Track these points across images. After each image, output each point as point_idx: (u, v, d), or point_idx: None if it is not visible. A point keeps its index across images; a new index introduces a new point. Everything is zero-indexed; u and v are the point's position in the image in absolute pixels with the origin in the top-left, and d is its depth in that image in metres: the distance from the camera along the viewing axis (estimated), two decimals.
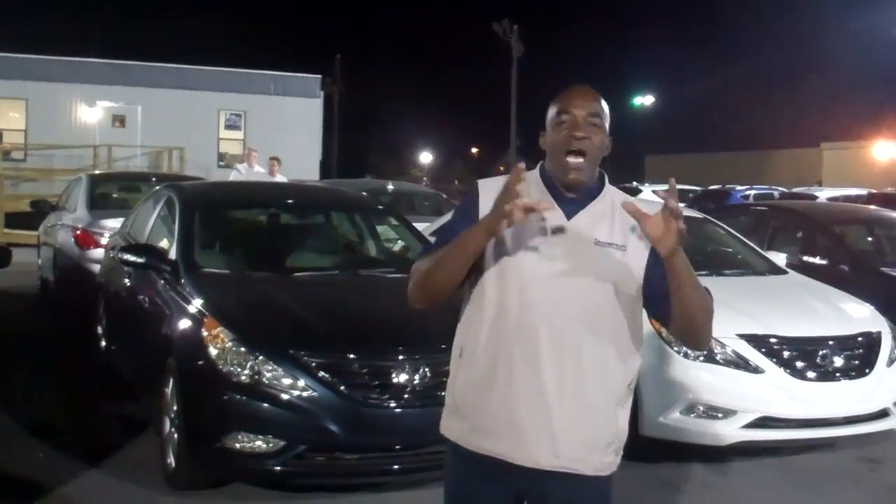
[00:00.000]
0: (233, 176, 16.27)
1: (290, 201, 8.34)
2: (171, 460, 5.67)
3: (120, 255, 6.79)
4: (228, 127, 34.52)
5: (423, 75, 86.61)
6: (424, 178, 65.10)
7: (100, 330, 8.52)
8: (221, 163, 33.45)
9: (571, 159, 2.74)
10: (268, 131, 32.81)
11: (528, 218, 2.63)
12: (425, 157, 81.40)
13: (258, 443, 5.28)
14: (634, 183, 34.74)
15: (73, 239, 11.29)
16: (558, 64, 70.28)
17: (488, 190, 2.83)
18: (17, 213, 19.40)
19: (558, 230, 2.75)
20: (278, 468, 5.31)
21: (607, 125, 2.81)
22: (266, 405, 5.26)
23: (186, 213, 7.03)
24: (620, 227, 2.78)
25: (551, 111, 2.81)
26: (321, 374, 5.28)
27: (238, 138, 34.31)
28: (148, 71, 33.58)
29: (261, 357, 5.32)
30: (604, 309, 2.75)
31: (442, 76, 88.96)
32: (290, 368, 5.29)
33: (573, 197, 2.80)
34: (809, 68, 66.61)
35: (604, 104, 2.81)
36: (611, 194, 2.85)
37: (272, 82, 34.98)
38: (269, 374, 5.28)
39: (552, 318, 2.72)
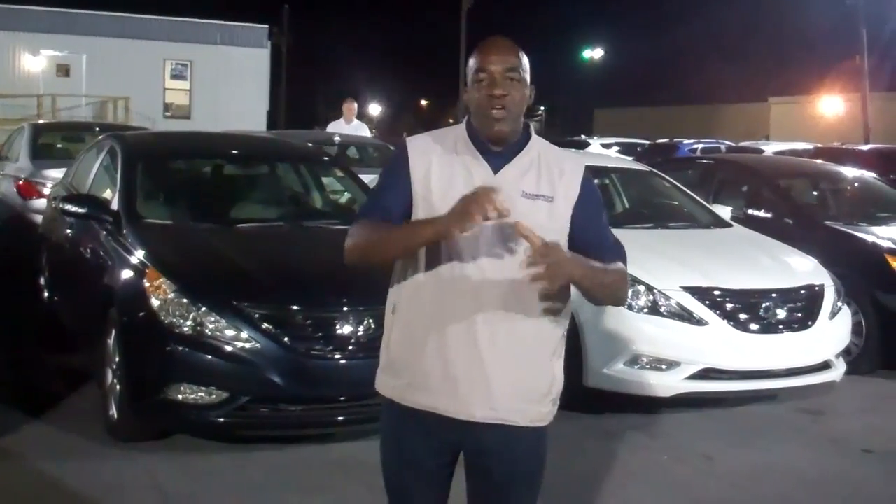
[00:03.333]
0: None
1: (234, 152, 8.22)
2: (114, 412, 5.61)
3: (61, 206, 6.67)
4: (174, 77, 34.07)
5: (372, 27, 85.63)
6: (374, 130, 64.74)
7: (42, 281, 8.39)
8: (167, 113, 33.03)
9: (493, 112, 2.73)
10: (214, 82, 32.44)
11: (454, 172, 2.73)
12: (374, 109, 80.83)
13: (201, 394, 5.25)
14: (583, 136, 34.78)
15: (15, 189, 11.10)
16: (508, 17, 70.04)
17: (417, 148, 2.84)
18: None
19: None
20: (221, 420, 5.30)
21: (527, 77, 2.79)
22: (209, 356, 5.22)
23: (129, 163, 6.90)
24: (548, 178, 2.80)
25: (470, 66, 2.79)
26: (264, 325, 5.24)
27: (184, 88, 33.90)
28: (93, 19, 32.99)
29: (203, 308, 5.27)
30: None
31: (391, 28, 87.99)
32: (232, 320, 5.24)
33: (499, 150, 2.79)
34: (758, 23, 66.99)
35: (522, 57, 2.79)
36: (537, 146, 2.85)
37: (218, 32, 34.51)
38: (211, 326, 5.23)
39: (483, 271, 2.72)
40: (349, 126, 14.78)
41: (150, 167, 7.14)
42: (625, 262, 2.90)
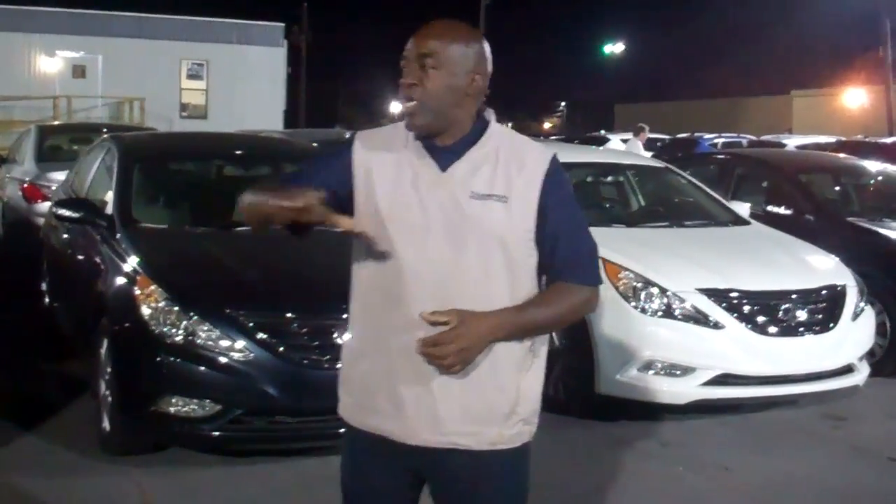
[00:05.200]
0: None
1: (234, 152, 7.99)
2: (106, 424, 5.41)
3: (56, 210, 6.50)
4: (190, 76, 34.03)
5: (392, 24, 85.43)
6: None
7: (44, 286, 8.23)
8: (184, 113, 32.98)
9: (404, 104, 2.46)
10: (230, 81, 32.33)
11: (400, 171, 2.46)
12: (396, 108, 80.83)
13: (193, 406, 5.03)
14: (602, 132, 34.48)
15: (20, 192, 10.95)
16: (527, 13, 69.72)
17: (365, 141, 2.59)
18: None
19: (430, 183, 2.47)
20: (215, 433, 5.08)
21: (465, 63, 2.45)
22: (201, 367, 5.01)
23: (125, 165, 6.70)
24: (504, 174, 2.45)
25: None
26: (259, 334, 5.02)
27: (200, 88, 33.83)
28: (108, 20, 32.98)
29: (195, 317, 5.05)
30: (487, 267, 2.44)
31: (411, 25, 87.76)
32: (226, 329, 5.03)
33: (448, 145, 2.49)
34: (780, 16, 66.39)
35: (451, 41, 2.44)
36: (495, 138, 2.51)
37: (234, 31, 34.39)
38: (203, 335, 5.02)
39: (425, 282, 2.43)
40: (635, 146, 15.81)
41: (147, 169, 6.93)
42: (587, 278, 2.53)
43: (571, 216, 2.52)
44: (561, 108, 75.09)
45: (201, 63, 34.05)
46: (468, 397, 2.45)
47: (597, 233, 2.62)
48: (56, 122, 19.49)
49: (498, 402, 2.48)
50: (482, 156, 2.47)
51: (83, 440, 5.52)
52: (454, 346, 2.33)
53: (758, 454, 5.91)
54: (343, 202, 2.50)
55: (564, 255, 2.49)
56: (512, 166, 2.45)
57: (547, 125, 72.33)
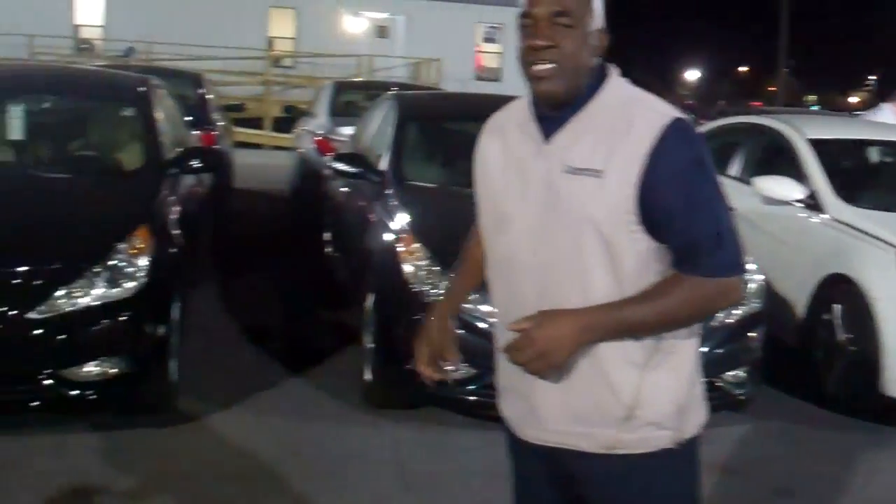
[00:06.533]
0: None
1: None
2: (368, 375, 5.50)
3: (332, 164, 6.66)
4: (486, 40, 34.44)
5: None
6: (690, 98, 62.87)
7: (325, 237, 8.53)
8: (478, 76, 33.47)
9: (535, 68, 2.15)
10: None
11: (509, 151, 2.26)
12: (691, 75, 78.57)
13: (449, 368, 4.98)
14: None
15: (313, 145, 11.39)
16: None
17: (490, 131, 2.39)
18: (283, 117, 20.22)
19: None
20: (471, 397, 5.02)
21: (593, 21, 2.16)
22: (459, 330, 4.93)
23: (401, 123, 6.76)
24: (607, 143, 2.11)
25: (518, 11, 2.21)
26: None
27: (496, 51, 34.18)
28: None
29: None
30: (582, 256, 2.13)
31: None
32: (486, 292, 4.92)
33: (557, 113, 2.19)
34: None
35: None
36: (606, 100, 2.17)
37: None
38: None
39: (530, 267, 2.20)
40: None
41: (421, 128, 6.97)
42: (706, 268, 2.11)
43: (689, 193, 2.10)
44: (871, 81, 70.29)
45: (497, 26, 34.42)
46: (570, 396, 2.19)
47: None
48: (351, 80, 20.23)
49: (608, 402, 2.18)
50: (585, 124, 2.16)
51: (347, 389, 5.64)
52: (531, 351, 2.08)
53: None
54: None
55: (679, 242, 2.11)
56: (617, 134, 2.10)
57: (854, 99, 67.96)
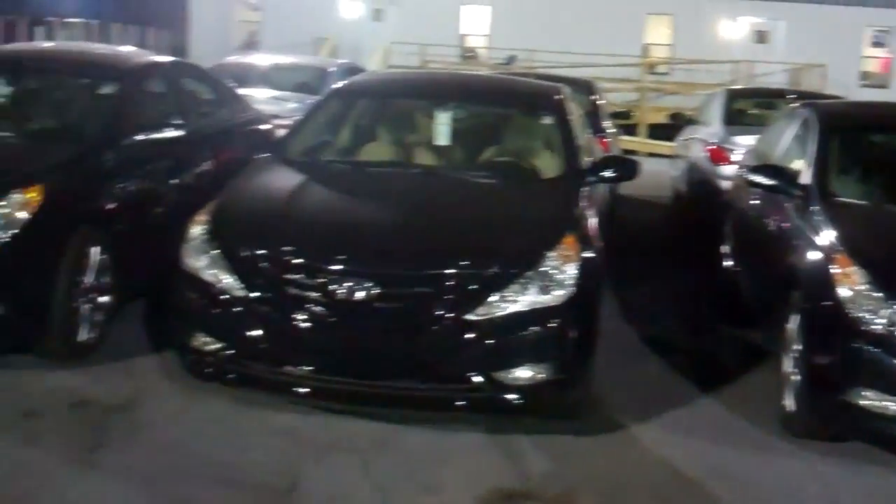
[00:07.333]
0: None
1: None
2: (789, 402, 5.22)
3: (748, 175, 6.44)
4: (874, 44, 32.33)
5: None
6: None
7: (724, 249, 8.27)
8: (864, 82, 31.54)
9: None
10: None
11: None
12: None
13: (887, 403, 4.62)
14: None
15: (705, 154, 11.15)
16: None
17: None
18: (659, 124, 20.09)
19: None
20: None
21: None
22: None
23: (823, 135, 6.36)
24: None
25: None
26: None
27: (883, 56, 32.02)
28: None
29: None
30: None
31: None
32: None
33: None
34: None
35: None
36: None
37: None
38: None
39: None
40: None
41: (846, 140, 6.51)
42: None
43: None
44: None
45: (886, 30, 32.24)
46: None
47: None
48: (743, 87, 19.56)
49: None
50: None
51: (762, 414, 5.41)
52: None
53: None
54: None
55: None
56: None
57: None
